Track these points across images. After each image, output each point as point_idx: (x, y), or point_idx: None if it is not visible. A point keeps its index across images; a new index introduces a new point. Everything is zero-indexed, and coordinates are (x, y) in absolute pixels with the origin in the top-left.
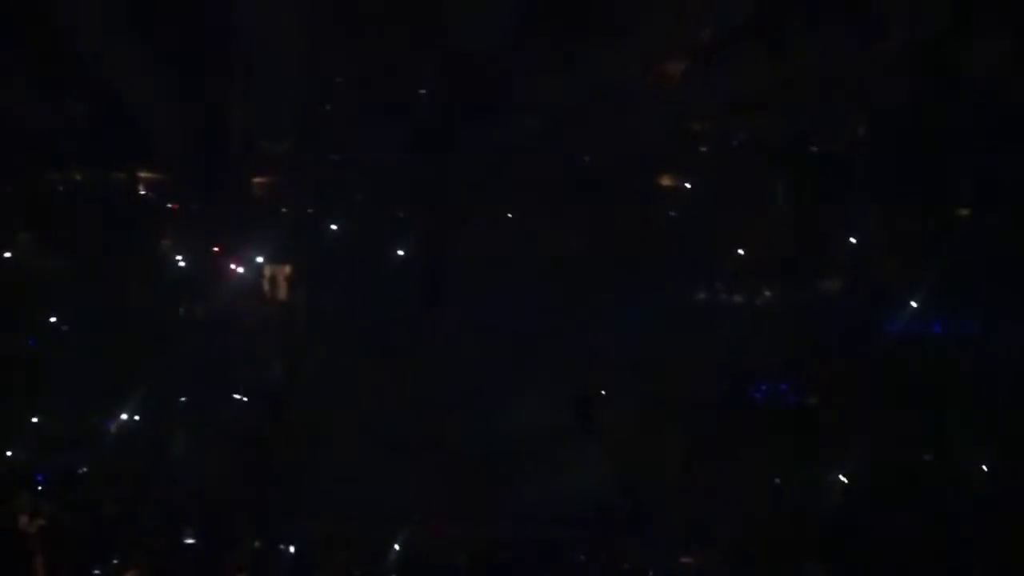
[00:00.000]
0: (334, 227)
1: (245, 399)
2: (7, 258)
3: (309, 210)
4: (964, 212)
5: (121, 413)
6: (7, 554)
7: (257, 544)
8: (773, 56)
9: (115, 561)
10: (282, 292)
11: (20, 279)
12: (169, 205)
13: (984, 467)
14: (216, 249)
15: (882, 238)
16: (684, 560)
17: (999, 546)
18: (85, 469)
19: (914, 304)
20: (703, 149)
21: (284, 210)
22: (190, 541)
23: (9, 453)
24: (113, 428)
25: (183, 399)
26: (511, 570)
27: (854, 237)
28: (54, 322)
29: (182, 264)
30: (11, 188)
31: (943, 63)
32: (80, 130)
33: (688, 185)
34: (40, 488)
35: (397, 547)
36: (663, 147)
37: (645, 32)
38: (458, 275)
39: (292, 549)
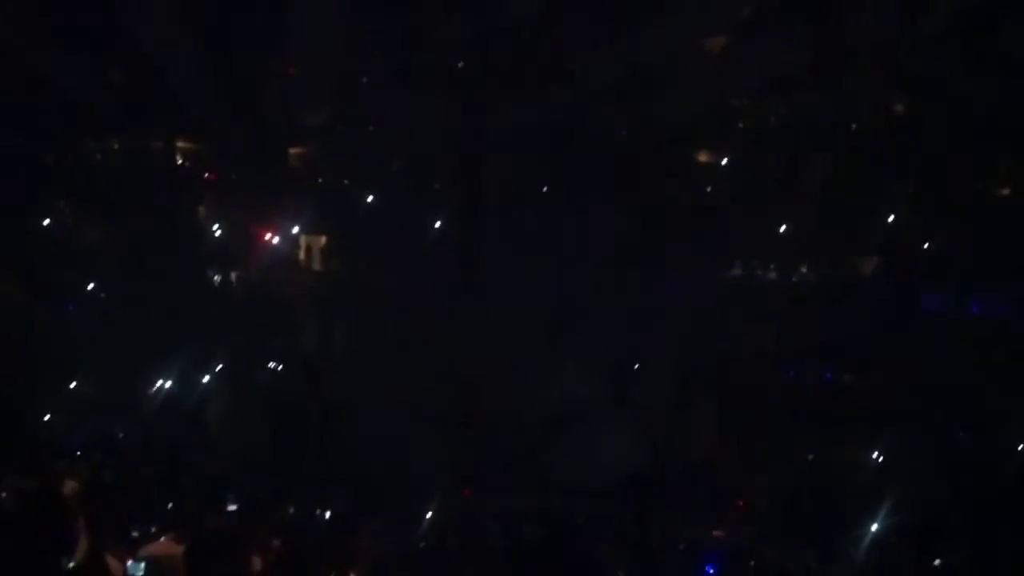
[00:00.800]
0: (370, 198)
1: (280, 367)
2: (46, 225)
3: (345, 181)
4: (1005, 190)
5: (158, 379)
6: (45, 517)
7: (292, 510)
8: (812, 32)
9: (152, 525)
10: (317, 262)
11: (58, 246)
12: (206, 174)
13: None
14: (254, 223)
15: (921, 216)
16: (715, 533)
17: None
18: (122, 434)
19: (952, 283)
20: (741, 125)
21: (320, 180)
22: (225, 506)
23: (47, 418)
24: (150, 394)
25: (219, 366)
26: (542, 541)
27: (892, 215)
28: (91, 288)
29: (218, 233)
30: (50, 156)
31: (983, 38)
32: (118, 99)
33: (725, 161)
34: (78, 453)
35: (429, 515)
36: (701, 123)
37: (684, 7)
38: (493, 248)
39: (327, 515)
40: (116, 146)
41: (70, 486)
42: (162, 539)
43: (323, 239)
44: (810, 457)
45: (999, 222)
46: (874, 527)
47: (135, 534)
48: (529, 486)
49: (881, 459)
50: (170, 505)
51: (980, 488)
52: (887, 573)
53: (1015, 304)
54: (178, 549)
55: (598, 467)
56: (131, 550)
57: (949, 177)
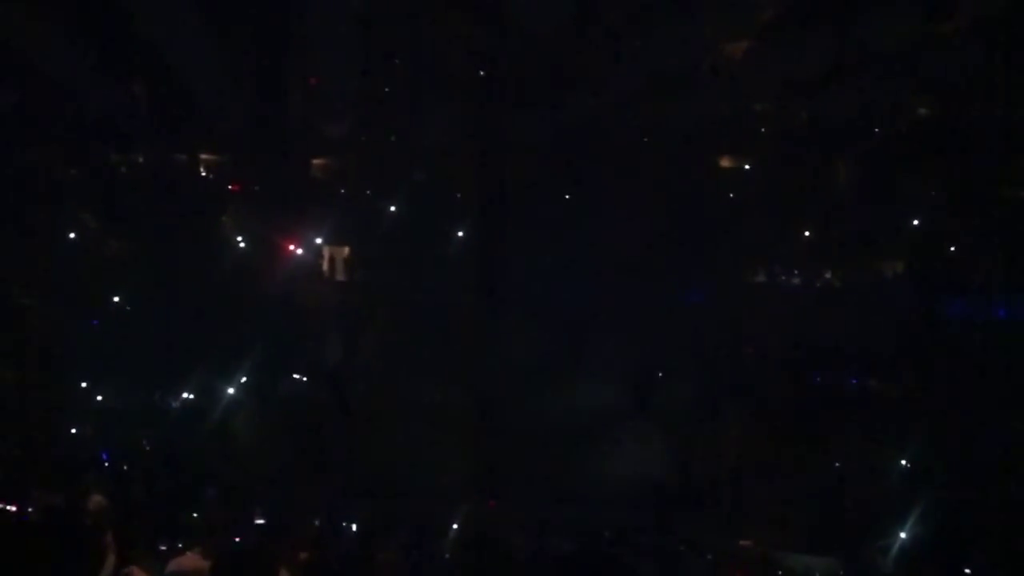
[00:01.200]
0: (392, 208)
1: (305, 379)
2: (71, 239)
3: (367, 191)
4: None
5: (183, 392)
6: (72, 532)
7: (317, 523)
8: (834, 35)
9: (179, 538)
10: (341, 273)
11: (83, 260)
12: (230, 187)
13: None
14: (277, 234)
15: (944, 220)
16: (742, 542)
17: None
18: (148, 447)
19: (978, 287)
20: (763, 130)
21: (343, 191)
22: (251, 519)
23: (74, 431)
24: (175, 407)
25: (244, 378)
26: (568, 553)
27: (916, 219)
28: (116, 302)
29: (242, 244)
30: (75, 170)
31: (1006, 41)
32: (143, 112)
33: (748, 166)
34: (105, 465)
35: (455, 526)
36: (723, 128)
37: (706, 12)
38: (515, 256)
39: (353, 527)
40: (141, 159)
41: (97, 501)
42: (188, 553)
43: (346, 250)
44: (837, 464)
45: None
46: (902, 534)
47: (162, 548)
48: (554, 497)
49: (909, 465)
50: (197, 518)
51: (1008, 494)
52: None
53: None
54: (205, 564)
55: (624, 477)
56: (159, 564)
57: (973, 181)
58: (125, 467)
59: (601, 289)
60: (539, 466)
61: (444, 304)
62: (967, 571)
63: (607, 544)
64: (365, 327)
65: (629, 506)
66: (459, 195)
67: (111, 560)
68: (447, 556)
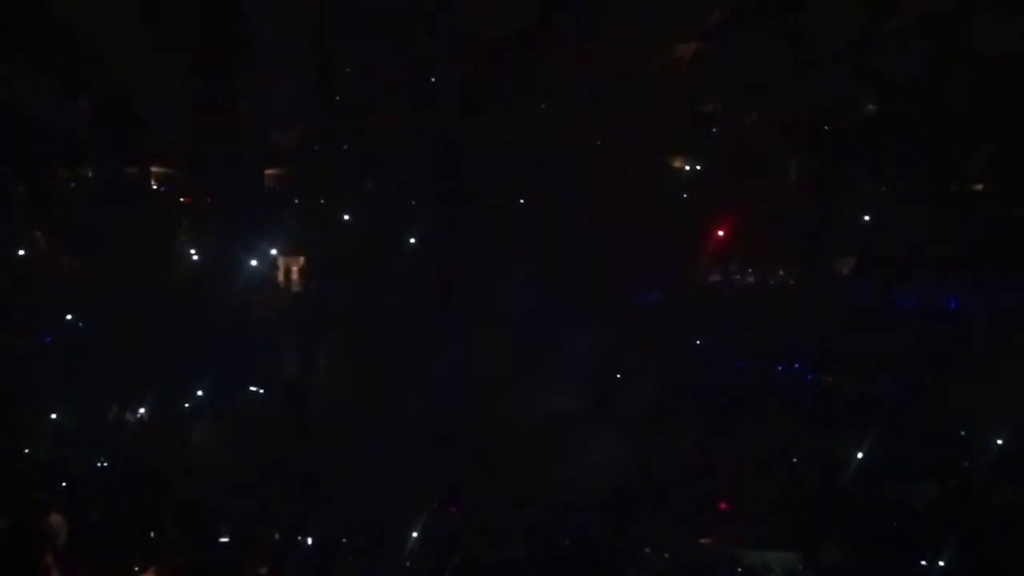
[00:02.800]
0: (346, 217)
1: (261, 391)
2: (21, 256)
3: (321, 201)
4: (977, 187)
5: (138, 408)
6: (25, 551)
7: (277, 536)
8: (784, 35)
9: (134, 556)
10: (296, 283)
11: (34, 276)
12: (181, 199)
13: (1000, 441)
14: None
15: (895, 215)
16: (702, 540)
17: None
18: (103, 464)
19: (928, 280)
20: (714, 130)
21: (296, 201)
22: (209, 535)
23: (27, 450)
24: (130, 423)
25: (200, 392)
26: (530, 555)
27: (867, 214)
28: (69, 319)
29: (196, 258)
30: (24, 185)
31: (954, 39)
32: (91, 126)
33: (700, 166)
34: (60, 484)
35: (415, 535)
36: (675, 129)
37: (656, 13)
38: (471, 263)
39: (310, 540)
40: (90, 173)
41: (56, 520)
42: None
43: (301, 260)
44: (795, 460)
45: (974, 217)
46: (860, 529)
47: (116, 569)
48: (515, 501)
49: (866, 460)
50: (154, 537)
51: (964, 486)
52: (872, 573)
53: (993, 298)
54: None
55: (584, 479)
56: None
57: (922, 175)
58: (80, 486)
59: (557, 293)
60: (499, 471)
61: (401, 313)
62: (924, 564)
63: (567, 548)
64: (322, 338)
65: (589, 509)
66: (413, 203)
67: None
68: (408, 564)
